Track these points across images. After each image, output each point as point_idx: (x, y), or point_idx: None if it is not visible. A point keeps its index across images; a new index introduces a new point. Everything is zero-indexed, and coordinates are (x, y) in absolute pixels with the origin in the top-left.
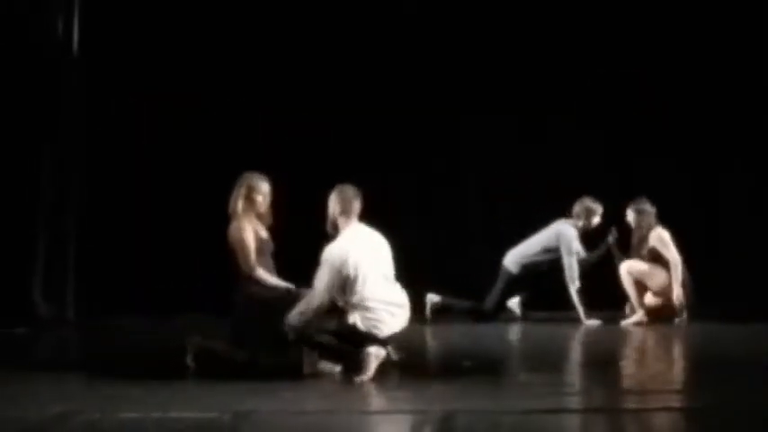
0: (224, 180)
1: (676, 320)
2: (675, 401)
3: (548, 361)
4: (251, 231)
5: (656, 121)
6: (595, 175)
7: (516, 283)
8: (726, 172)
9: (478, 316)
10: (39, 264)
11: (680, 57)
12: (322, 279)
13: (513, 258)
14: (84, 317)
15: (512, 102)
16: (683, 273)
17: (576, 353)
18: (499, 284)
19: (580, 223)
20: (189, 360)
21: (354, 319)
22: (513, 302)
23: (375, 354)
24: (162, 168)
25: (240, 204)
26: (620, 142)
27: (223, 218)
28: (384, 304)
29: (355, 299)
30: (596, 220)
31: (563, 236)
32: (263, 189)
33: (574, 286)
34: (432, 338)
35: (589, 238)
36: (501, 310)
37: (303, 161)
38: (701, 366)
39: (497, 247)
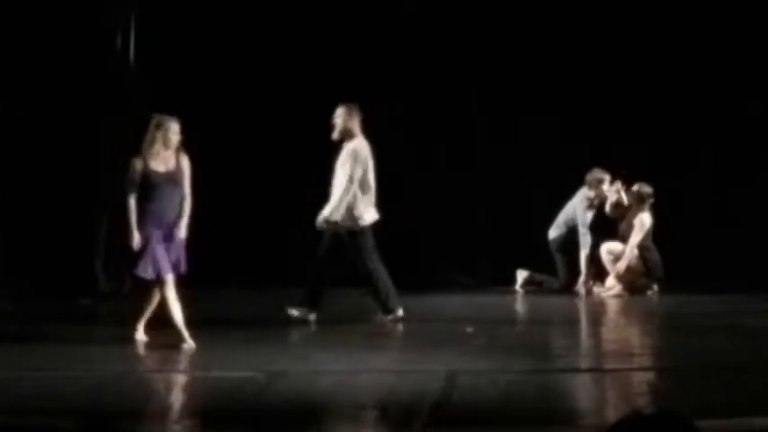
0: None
1: (648, 293)
2: (650, 362)
3: (541, 327)
4: None
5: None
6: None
7: (567, 248)
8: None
9: (560, 290)
10: (100, 246)
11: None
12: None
13: (552, 232)
14: (137, 291)
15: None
16: (654, 253)
17: (565, 320)
18: (559, 258)
19: (592, 193)
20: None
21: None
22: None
23: None
24: (211, 159)
25: None
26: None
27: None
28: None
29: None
30: (605, 186)
31: (577, 209)
32: None
33: (584, 252)
34: (440, 307)
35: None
36: (575, 277)
37: None
38: (670, 331)
39: None
